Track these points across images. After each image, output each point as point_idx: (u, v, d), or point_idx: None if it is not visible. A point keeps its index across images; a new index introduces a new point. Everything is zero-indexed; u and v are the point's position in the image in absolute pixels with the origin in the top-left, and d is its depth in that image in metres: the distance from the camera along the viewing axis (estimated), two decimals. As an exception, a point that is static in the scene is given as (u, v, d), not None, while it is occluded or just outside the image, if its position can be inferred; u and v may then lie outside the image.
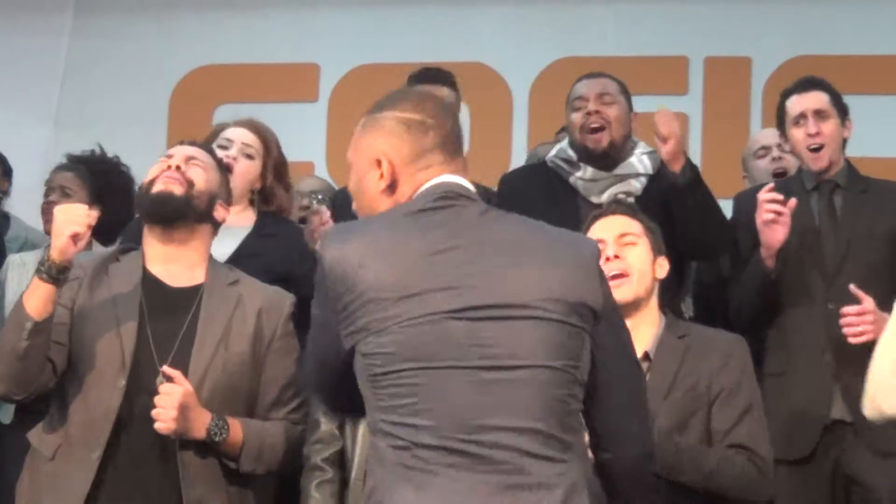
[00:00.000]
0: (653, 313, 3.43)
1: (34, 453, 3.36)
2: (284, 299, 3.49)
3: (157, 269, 3.43)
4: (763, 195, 4.16)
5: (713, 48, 6.21)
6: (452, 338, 2.46)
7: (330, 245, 2.54)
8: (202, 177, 3.47)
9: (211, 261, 3.49)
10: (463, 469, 2.43)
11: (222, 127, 4.48)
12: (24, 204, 5.37)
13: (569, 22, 6.29)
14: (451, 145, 2.65)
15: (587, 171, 4.46)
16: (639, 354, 3.26)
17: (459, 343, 2.46)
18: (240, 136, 4.40)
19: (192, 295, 3.40)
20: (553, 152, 4.61)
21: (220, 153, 4.32)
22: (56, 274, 3.16)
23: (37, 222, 5.01)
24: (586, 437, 2.62)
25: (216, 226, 3.53)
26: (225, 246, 4.23)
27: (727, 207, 4.71)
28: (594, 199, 4.39)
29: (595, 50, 6.20)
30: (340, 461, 3.59)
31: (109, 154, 4.83)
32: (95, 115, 6.36)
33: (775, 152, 4.97)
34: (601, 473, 2.64)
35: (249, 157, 4.38)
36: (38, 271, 3.18)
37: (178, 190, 3.41)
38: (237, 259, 4.30)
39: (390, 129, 2.65)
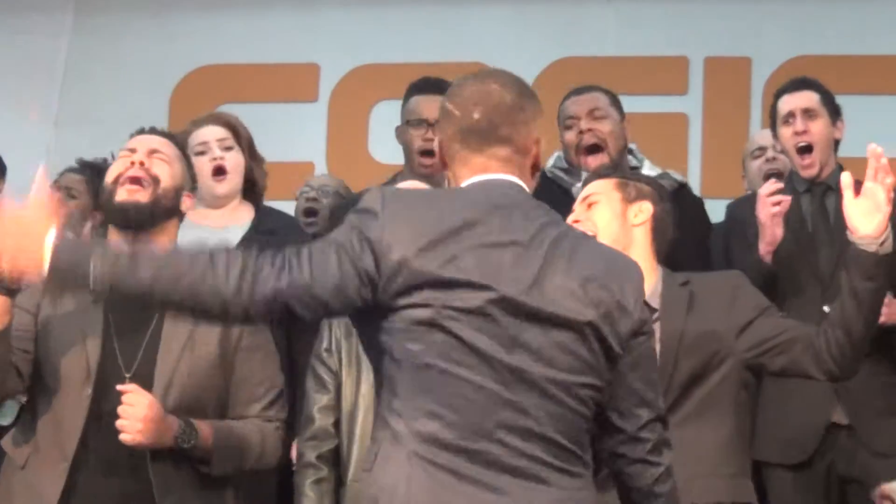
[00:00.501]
0: (645, 261, 3.34)
1: (8, 460, 3.33)
2: None
3: None
4: (765, 189, 4.15)
5: (713, 48, 6.20)
6: (491, 336, 2.44)
7: (393, 214, 2.48)
8: (167, 172, 3.39)
9: None
10: (484, 476, 2.41)
11: (186, 135, 4.42)
12: (23, 204, 5.36)
13: (569, 22, 6.29)
14: (473, 138, 2.58)
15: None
16: None
17: (497, 343, 2.44)
18: (213, 134, 4.38)
19: None
20: (551, 162, 4.59)
21: (201, 158, 4.32)
22: (9, 285, 3.07)
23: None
24: None
25: (182, 216, 3.45)
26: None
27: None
28: None
29: (595, 50, 6.20)
30: (335, 459, 3.57)
31: (97, 150, 4.80)
32: (95, 115, 6.35)
33: (770, 153, 4.98)
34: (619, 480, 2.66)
35: (229, 148, 4.37)
36: None
37: (143, 197, 3.32)
38: None
39: (440, 113, 2.67)
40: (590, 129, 4.45)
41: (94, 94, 6.50)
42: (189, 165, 3.52)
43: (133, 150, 3.41)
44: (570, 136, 4.49)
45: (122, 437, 3.13)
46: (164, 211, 3.35)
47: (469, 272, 2.44)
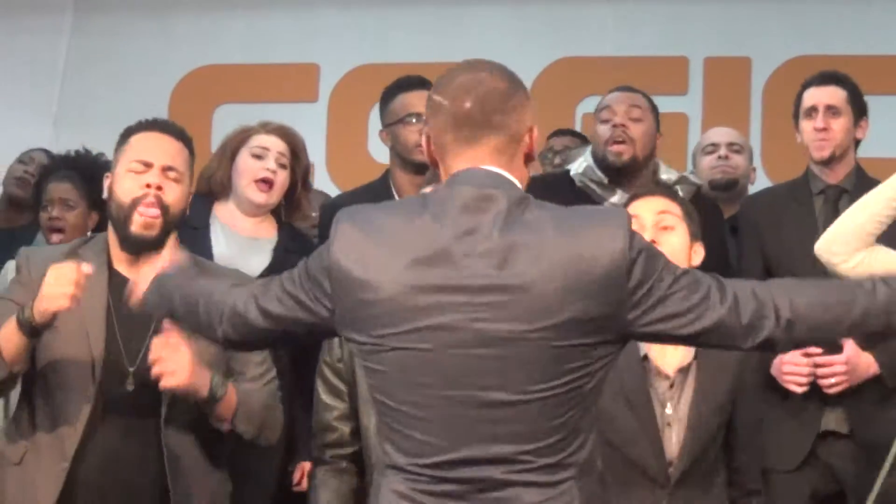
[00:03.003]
0: None
1: (0, 456, 3.27)
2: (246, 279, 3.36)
3: (125, 268, 3.31)
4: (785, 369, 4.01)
5: (713, 48, 6.21)
6: (443, 366, 2.37)
7: (342, 239, 2.47)
8: (179, 195, 3.32)
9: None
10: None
11: (250, 131, 4.33)
12: (23, 204, 5.36)
13: (569, 22, 6.30)
14: (466, 129, 2.46)
15: (625, 197, 4.36)
16: (675, 367, 3.22)
17: (448, 373, 2.37)
18: (275, 146, 4.27)
19: None
20: (580, 170, 4.48)
21: (255, 162, 4.26)
22: (34, 332, 3.09)
23: (37, 223, 5.00)
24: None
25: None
26: (256, 261, 4.17)
27: (727, 208, 4.70)
28: None
29: (595, 50, 6.20)
30: (355, 459, 3.49)
31: (97, 150, 4.77)
32: (95, 115, 6.35)
33: (723, 151, 4.96)
34: None
35: (283, 167, 4.30)
36: (17, 320, 3.10)
37: (155, 230, 3.27)
38: (270, 275, 4.25)
39: (427, 107, 2.54)
40: (623, 125, 4.38)
41: (94, 94, 6.50)
42: (193, 160, 3.43)
43: (149, 165, 3.33)
44: (605, 129, 4.39)
45: (165, 381, 3.09)
46: (168, 234, 3.31)
47: (416, 304, 2.40)
